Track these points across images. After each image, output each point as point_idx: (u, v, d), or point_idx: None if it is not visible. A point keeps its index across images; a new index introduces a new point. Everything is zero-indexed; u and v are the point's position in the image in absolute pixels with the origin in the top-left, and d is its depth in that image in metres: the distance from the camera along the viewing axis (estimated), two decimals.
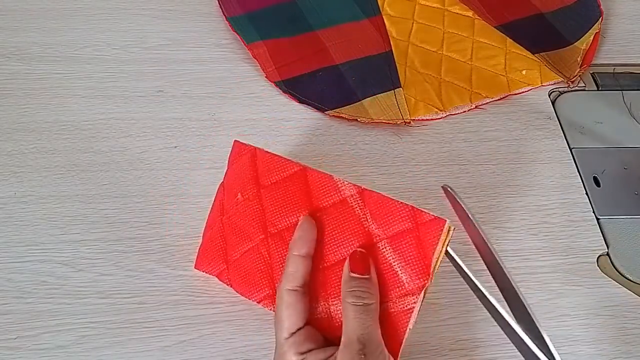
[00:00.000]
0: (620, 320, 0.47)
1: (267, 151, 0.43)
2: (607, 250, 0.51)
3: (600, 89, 0.62)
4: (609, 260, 0.50)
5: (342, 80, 0.60)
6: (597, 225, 0.52)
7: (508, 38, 0.64)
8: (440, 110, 0.59)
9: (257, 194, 0.42)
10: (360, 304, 0.35)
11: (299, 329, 0.37)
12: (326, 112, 0.58)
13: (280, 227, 0.41)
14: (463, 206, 0.38)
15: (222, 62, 0.61)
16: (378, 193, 0.39)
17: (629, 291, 0.48)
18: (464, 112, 0.59)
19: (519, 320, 0.35)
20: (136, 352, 0.43)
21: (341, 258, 0.39)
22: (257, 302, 0.42)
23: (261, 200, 0.42)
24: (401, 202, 0.38)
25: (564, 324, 0.46)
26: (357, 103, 0.58)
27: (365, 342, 0.34)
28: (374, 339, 0.35)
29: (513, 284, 0.36)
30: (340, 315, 0.38)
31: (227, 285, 0.43)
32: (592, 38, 0.65)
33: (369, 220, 0.39)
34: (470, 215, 0.37)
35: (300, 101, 0.58)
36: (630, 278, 0.49)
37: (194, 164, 0.54)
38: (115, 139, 0.55)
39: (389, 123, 0.57)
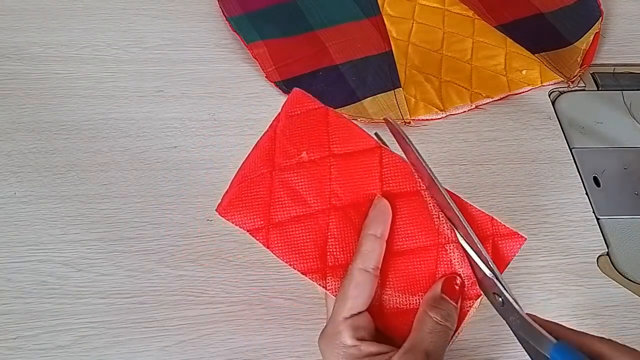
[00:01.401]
0: (620, 320, 0.47)
1: (341, 115, 0.41)
2: (607, 250, 0.51)
3: (600, 89, 0.62)
4: (609, 260, 0.50)
5: (342, 80, 0.60)
6: (597, 225, 0.52)
7: (508, 38, 0.64)
8: (440, 110, 0.59)
9: (327, 161, 0.40)
10: (442, 324, 0.35)
11: (359, 312, 0.36)
12: None
13: (345, 202, 0.39)
14: (406, 139, 0.38)
15: (222, 62, 0.61)
16: (455, 195, 0.38)
17: (629, 291, 0.48)
18: (464, 112, 0.59)
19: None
20: (136, 352, 0.43)
21: (404, 249, 0.38)
22: (302, 273, 0.39)
23: (330, 168, 0.40)
24: (480, 210, 0.38)
25: (563, 323, 0.46)
26: (357, 103, 0.58)
27: (431, 359, 0.34)
28: (439, 359, 0.35)
29: (458, 213, 0.37)
30: (389, 306, 0.38)
31: (262, 244, 0.40)
32: (592, 38, 0.65)
33: (440, 219, 0.38)
34: (414, 149, 0.37)
35: None
36: (630, 278, 0.49)
37: (194, 164, 0.54)
38: (115, 139, 0.55)
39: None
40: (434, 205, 0.38)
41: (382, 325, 0.38)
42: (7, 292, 0.45)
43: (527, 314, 0.35)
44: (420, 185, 0.39)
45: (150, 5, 0.66)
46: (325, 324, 0.37)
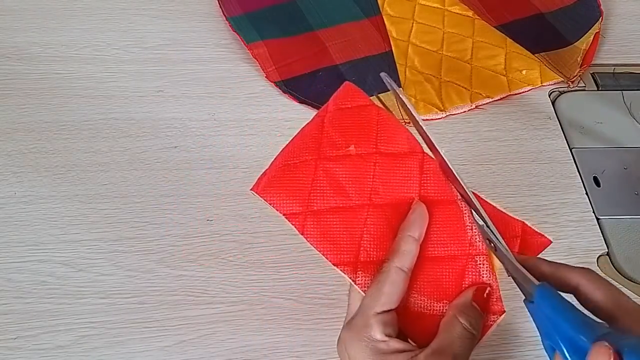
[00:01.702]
0: None
1: (391, 115, 0.42)
2: (607, 250, 0.51)
3: (600, 89, 0.62)
4: (609, 260, 0.50)
5: (342, 80, 0.59)
6: (597, 225, 0.52)
7: (508, 38, 0.64)
8: (440, 110, 0.59)
9: (373, 158, 0.40)
10: (470, 331, 0.36)
11: (390, 310, 0.36)
12: None
13: (385, 201, 0.39)
14: (403, 99, 0.39)
15: (222, 62, 0.61)
16: (492, 206, 0.39)
17: (629, 291, 0.48)
18: (464, 112, 0.59)
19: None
20: (136, 352, 0.43)
21: (435, 255, 0.39)
22: (334, 264, 0.39)
23: (375, 165, 0.40)
24: (517, 219, 0.39)
25: None
26: None
27: None
28: None
29: (458, 177, 0.38)
30: (413, 309, 0.38)
31: (297, 230, 0.39)
32: (592, 38, 0.65)
33: (474, 231, 0.38)
34: (412, 112, 0.38)
35: (300, 101, 0.58)
36: (631, 278, 0.49)
37: (194, 164, 0.54)
38: (115, 139, 0.55)
39: None
40: (468, 216, 0.39)
41: (403, 326, 0.38)
42: (7, 292, 0.45)
43: (517, 253, 0.37)
44: (457, 196, 0.39)
45: (150, 5, 0.66)
46: (345, 318, 0.38)
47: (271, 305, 0.46)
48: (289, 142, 0.42)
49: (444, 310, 0.38)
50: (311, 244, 0.39)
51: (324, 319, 0.45)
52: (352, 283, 0.38)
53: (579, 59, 0.63)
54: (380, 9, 0.67)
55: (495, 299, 0.38)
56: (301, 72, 0.61)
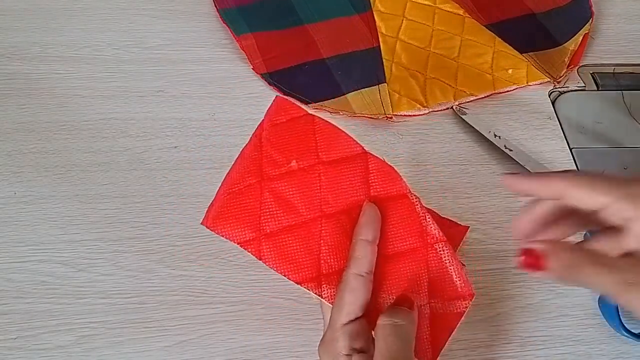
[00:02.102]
0: None
1: (326, 121, 0.41)
2: None
3: (600, 89, 0.62)
4: None
5: (327, 73, 0.60)
6: None
7: (497, 37, 0.64)
8: (423, 107, 0.58)
9: (316, 168, 0.40)
10: (391, 323, 0.35)
11: (357, 318, 0.36)
12: (309, 105, 0.58)
13: (336, 209, 0.39)
14: None
15: (222, 62, 0.62)
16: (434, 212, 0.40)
17: None
18: (447, 109, 0.59)
19: None
20: (136, 352, 0.43)
21: (395, 252, 0.39)
22: (297, 283, 0.39)
23: (320, 175, 0.40)
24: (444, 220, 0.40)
25: (564, 324, 0.46)
26: (341, 97, 0.59)
27: None
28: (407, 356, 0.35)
29: None
30: (381, 308, 0.38)
31: (255, 256, 0.39)
32: (581, 39, 0.64)
33: (427, 220, 0.39)
34: None
35: (285, 94, 0.58)
36: None
37: (194, 164, 0.54)
38: (115, 139, 0.55)
39: (371, 117, 0.57)
40: (420, 207, 0.39)
41: (373, 327, 0.38)
42: (7, 292, 0.45)
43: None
44: (406, 188, 0.39)
45: (150, 5, 0.66)
46: (323, 333, 0.38)
47: (271, 305, 0.46)
48: (230, 168, 0.41)
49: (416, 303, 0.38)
50: (271, 268, 0.39)
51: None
52: (320, 298, 0.38)
53: (566, 60, 0.63)
54: (372, 5, 0.67)
55: (462, 284, 0.38)
56: (287, 65, 0.61)
